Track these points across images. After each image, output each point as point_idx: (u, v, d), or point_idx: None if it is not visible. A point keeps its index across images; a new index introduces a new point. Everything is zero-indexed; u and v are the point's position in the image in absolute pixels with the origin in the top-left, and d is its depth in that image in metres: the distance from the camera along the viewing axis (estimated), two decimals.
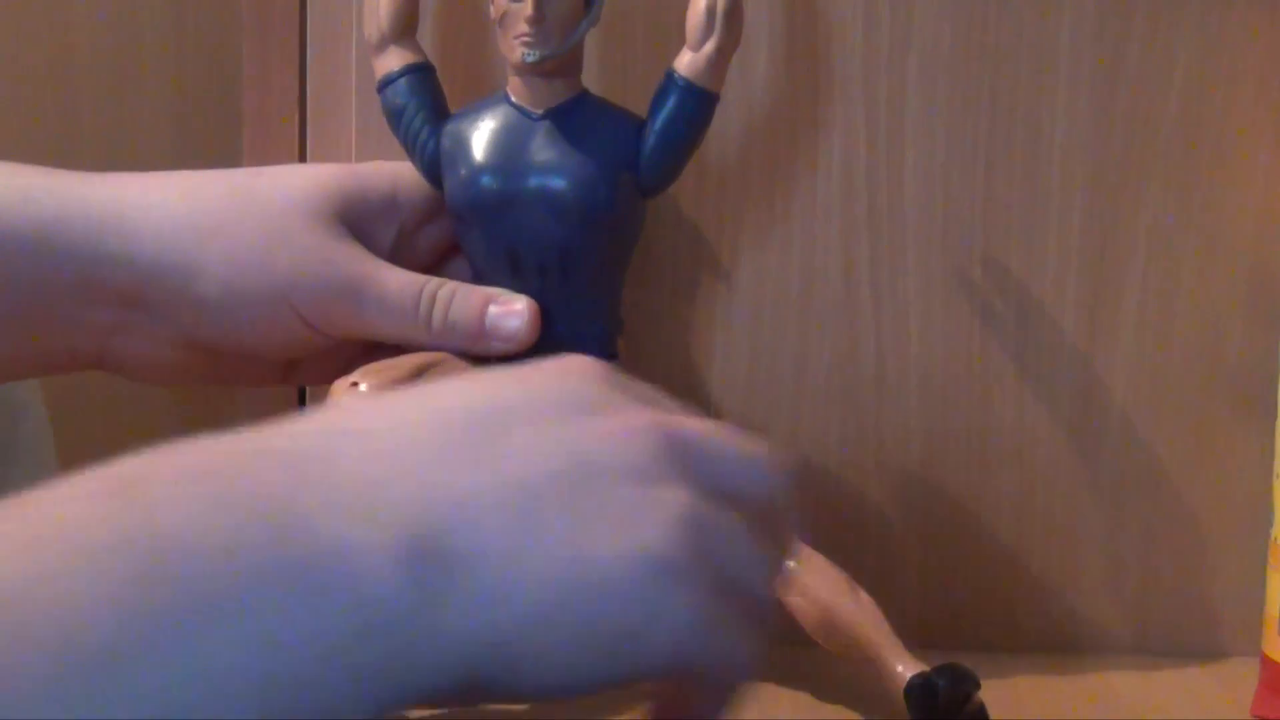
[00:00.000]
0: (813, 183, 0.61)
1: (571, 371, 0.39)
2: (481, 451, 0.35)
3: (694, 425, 0.38)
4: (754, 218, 0.61)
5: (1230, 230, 0.61)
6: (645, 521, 0.35)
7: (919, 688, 0.50)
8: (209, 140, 0.76)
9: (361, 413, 0.37)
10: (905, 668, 0.51)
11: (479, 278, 0.56)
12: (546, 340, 0.55)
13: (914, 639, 0.62)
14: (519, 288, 0.55)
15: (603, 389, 0.38)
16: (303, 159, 0.63)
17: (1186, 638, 0.62)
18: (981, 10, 0.60)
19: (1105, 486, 0.62)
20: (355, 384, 0.51)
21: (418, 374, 0.53)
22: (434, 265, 0.59)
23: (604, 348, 0.57)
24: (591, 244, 0.55)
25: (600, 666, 0.35)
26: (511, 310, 0.55)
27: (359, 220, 0.56)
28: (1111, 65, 0.61)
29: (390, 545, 0.32)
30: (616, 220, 0.56)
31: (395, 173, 0.58)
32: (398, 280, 0.54)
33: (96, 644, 0.28)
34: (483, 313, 0.54)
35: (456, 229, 0.57)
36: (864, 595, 0.53)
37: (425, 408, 0.37)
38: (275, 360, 0.57)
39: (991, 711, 0.56)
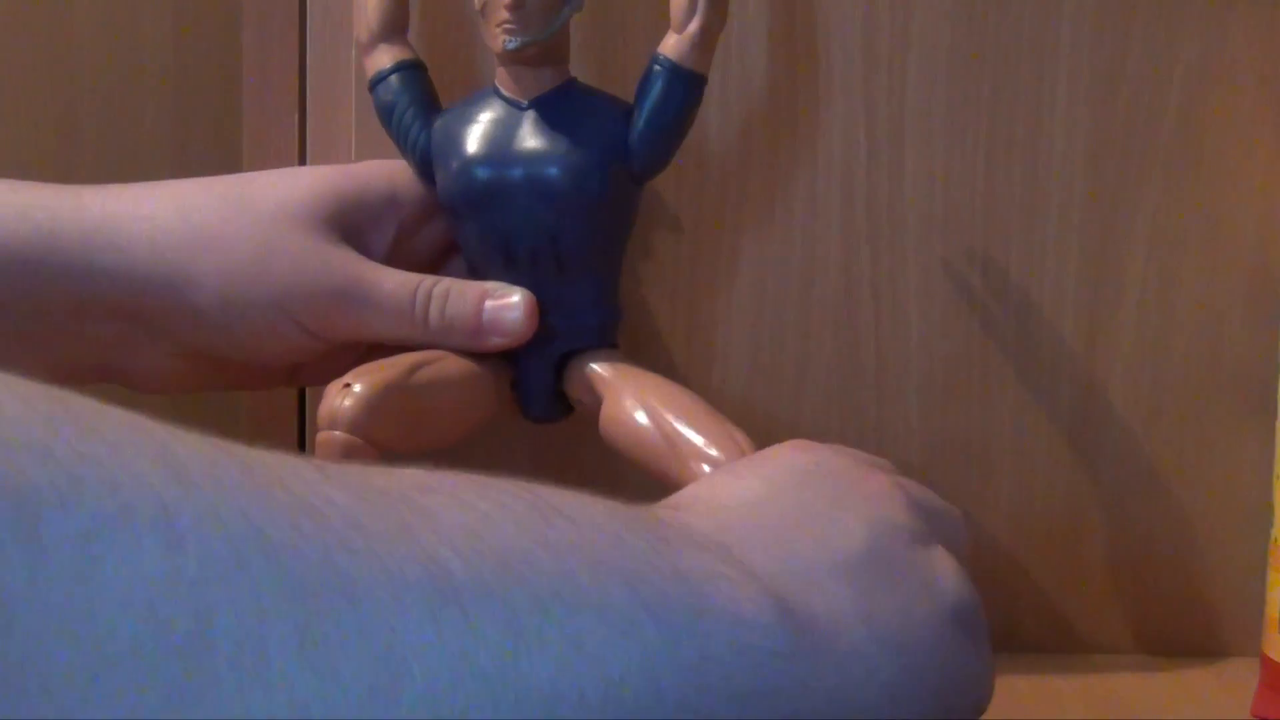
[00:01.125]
0: (813, 183, 0.61)
1: (814, 448, 0.42)
2: (801, 531, 0.37)
3: (911, 486, 0.42)
4: (754, 217, 0.61)
5: (1230, 230, 0.61)
6: (939, 580, 0.38)
7: None
8: (209, 140, 0.76)
9: (674, 502, 0.38)
10: None
11: (473, 271, 0.56)
12: (543, 332, 0.55)
13: None
14: (513, 279, 0.55)
15: (844, 458, 0.42)
16: (303, 159, 0.63)
17: (1186, 638, 0.62)
18: (981, 10, 0.60)
19: (1105, 487, 0.62)
20: (348, 385, 0.50)
21: (412, 372, 0.52)
22: (435, 264, 0.58)
23: (603, 337, 0.57)
24: (584, 232, 0.55)
25: (935, 704, 0.37)
26: (508, 304, 0.54)
27: (355, 222, 0.55)
28: (1111, 65, 0.61)
29: (762, 595, 0.33)
30: (607, 207, 0.55)
31: (393, 171, 0.57)
32: (392, 281, 0.54)
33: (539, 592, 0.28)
34: (479, 308, 0.54)
35: (450, 223, 0.57)
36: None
37: (723, 501, 0.38)
38: (278, 366, 0.57)
39: (992, 711, 0.56)
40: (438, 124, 0.56)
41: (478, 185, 0.55)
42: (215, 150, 0.76)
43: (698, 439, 0.51)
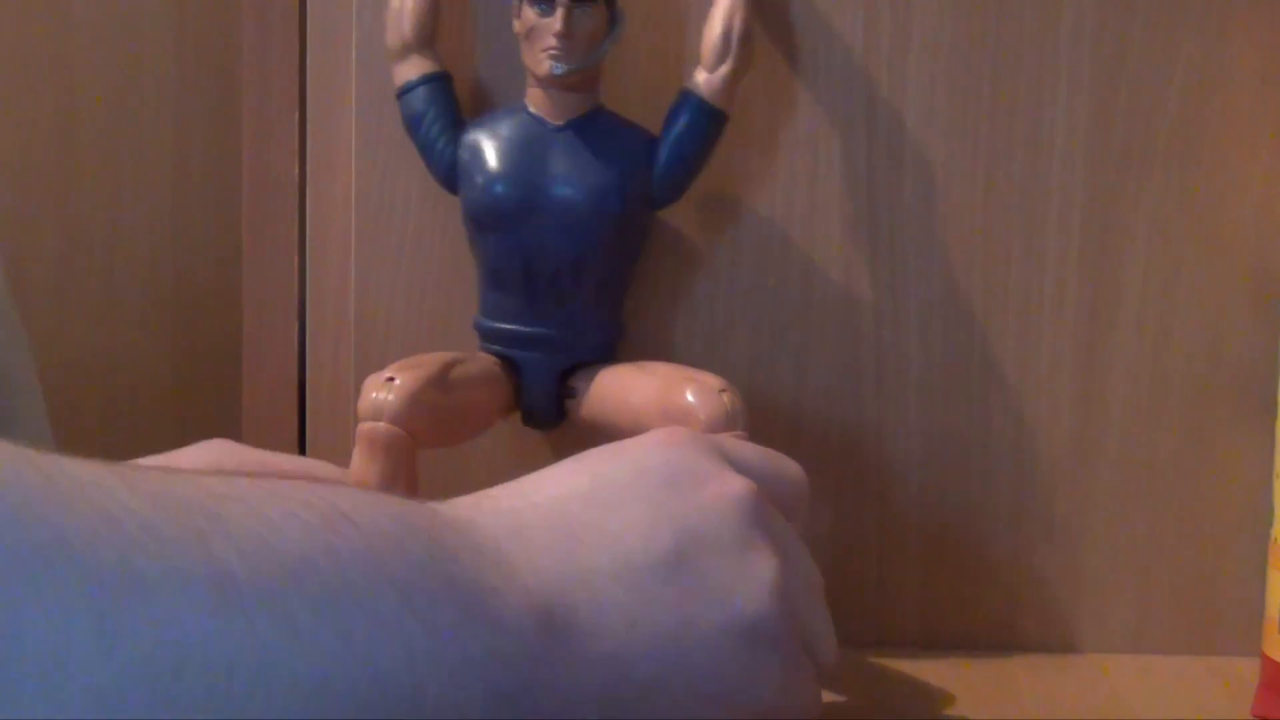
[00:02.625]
0: (812, 182, 0.61)
1: (672, 443, 0.43)
2: (599, 532, 0.39)
3: (761, 496, 0.42)
4: (754, 217, 0.61)
5: (1230, 230, 0.61)
6: (742, 592, 0.40)
7: None
8: (209, 140, 0.76)
9: (486, 495, 0.40)
10: None
11: (491, 283, 0.57)
12: (552, 347, 0.57)
13: (914, 639, 0.63)
14: (530, 294, 0.56)
15: (701, 458, 0.42)
16: (303, 159, 0.63)
17: (1186, 638, 0.62)
18: (981, 10, 0.60)
19: (1105, 487, 0.62)
20: (390, 378, 0.51)
21: (447, 369, 0.53)
22: None
23: (606, 353, 0.58)
24: (602, 253, 0.57)
25: (716, 713, 0.39)
26: None
27: None
28: (1111, 65, 0.61)
29: (524, 604, 0.35)
30: (626, 229, 0.57)
31: (310, 472, 0.54)
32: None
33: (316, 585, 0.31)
34: None
35: (470, 236, 0.58)
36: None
37: (545, 494, 0.40)
38: None
39: (992, 711, 0.56)
40: (465, 138, 0.57)
41: (505, 201, 0.56)
42: (215, 150, 0.76)
43: (689, 398, 0.52)
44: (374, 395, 0.51)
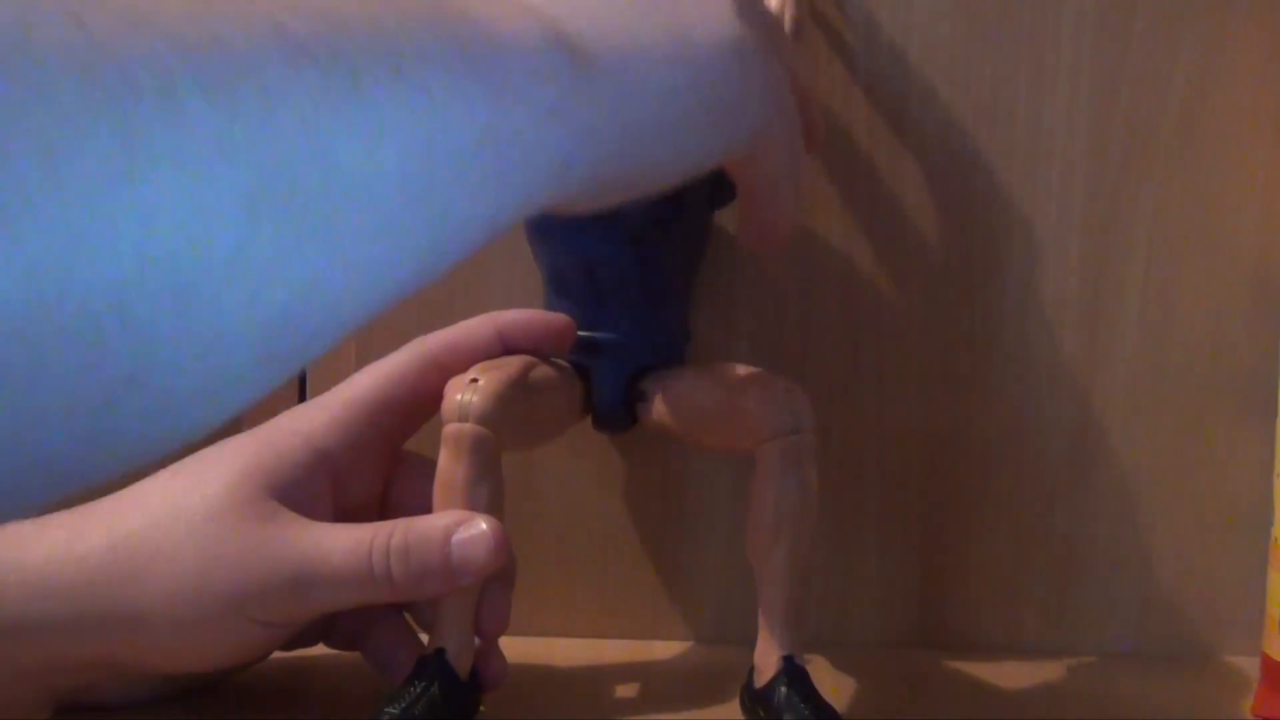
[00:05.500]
0: (813, 183, 0.61)
1: None
2: None
3: None
4: None
5: (1231, 230, 0.61)
6: (720, 16, 0.43)
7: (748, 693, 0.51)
8: None
9: None
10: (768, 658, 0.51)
11: (555, 293, 0.57)
12: (619, 353, 0.57)
13: (914, 639, 0.63)
14: (597, 298, 0.56)
15: None
16: None
17: (1186, 638, 0.62)
18: (981, 10, 0.60)
19: (1105, 486, 0.62)
20: (474, 380, 0.51)
21: (527, 371, 0.53)
22: (383, 499, 0.55)
23: (675, 356, 0.58)
24: (665, 256, 0.57)
25: (711, 137, 0.43)
26: (474, 538, 0.48)
27: (288, 487, 0.50)
28: (1112, 65, 0.61)
29: (537, 27, 0.37)
30: (690, 231, 0.58)
31: (311, 428, 0.53)
32: (341, 549, 0.48)
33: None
34: (446, 550, 0.48)
35: (532, 245, 0.58)
36: (791, 543, 0.51)
37: None
38: (249, 660, 0.54)
39: (992, 711, 0.56)
40: None
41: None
42: None
43: (754, 399, 0.52)
44: (458, 397, 0.50)
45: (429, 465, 0.51)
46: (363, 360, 0.56)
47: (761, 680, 0.50)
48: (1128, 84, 0.61)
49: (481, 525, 0.48)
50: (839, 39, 0.61)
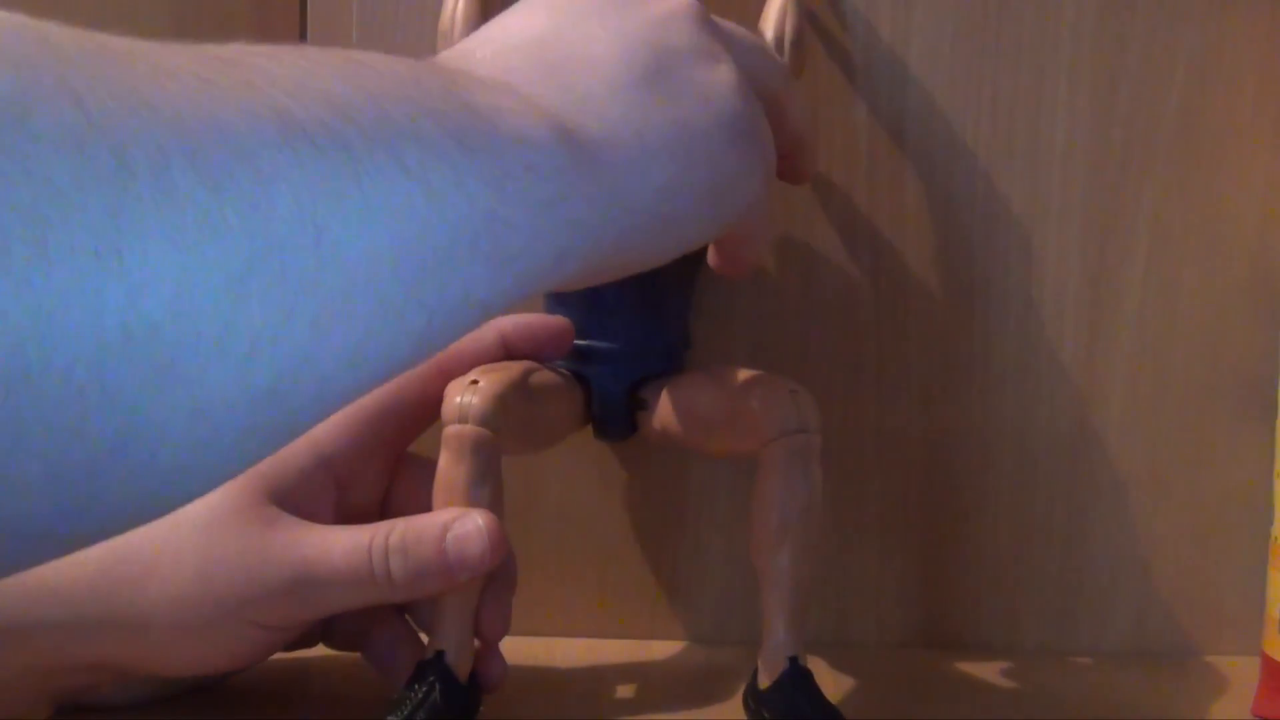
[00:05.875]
0: (813, 182, 0.61)
1: None
2: (581, 61, 0.41)
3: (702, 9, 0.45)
4: None
5: (1231, 230, 0.61)
6: (716, 95, 0.43)
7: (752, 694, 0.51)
8: None
9: (461, 51, 0.42)
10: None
11: (555, 302, 0.57)
12: (619, 361, 0.57)
13: (914, 639, 0.63)
14: (597, 307, 0.56)
15: None
16: None
17: (1186, 638, 0.62)
18: (981, 10, 0.60)
19: (1105, 486, 0.62)
20: (475, 381, 0.51)
21: (527, 375, 0.53)
22: (383, 503, 0.55)
23: (675, 363, 0.58)
24: (665, 264, 0.56)
25: (707, 221, 0.44)
26: (468, 534, 0.48)
27: (292, 492, 0.51)
28: (1111, 65, 0.60)
29: (541, 122, 0.37)
30: None
31: (312, 438, 0.52)
32: (341, 549, 0.49)
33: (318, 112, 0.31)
34: (441, 547, 0.48)
35: None
36: (798, 544, 0.51)
37: (514, 38, 0.42)
38: (251, 663, 0.53)
39: (992, 712, 0.56)
40: None
41: None
42: None
43: (758, 400, 0.52)
44: (458, 399, 0.50)
45: (431, 468, 0.51)
46: None
47: (766, 682, 0.49)
48: (1128, 84, 0.61)
49: (477, 520, 0.48)
50: (837, 42, 0.61)
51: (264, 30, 0.63)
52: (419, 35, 0.59)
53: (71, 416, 0.25)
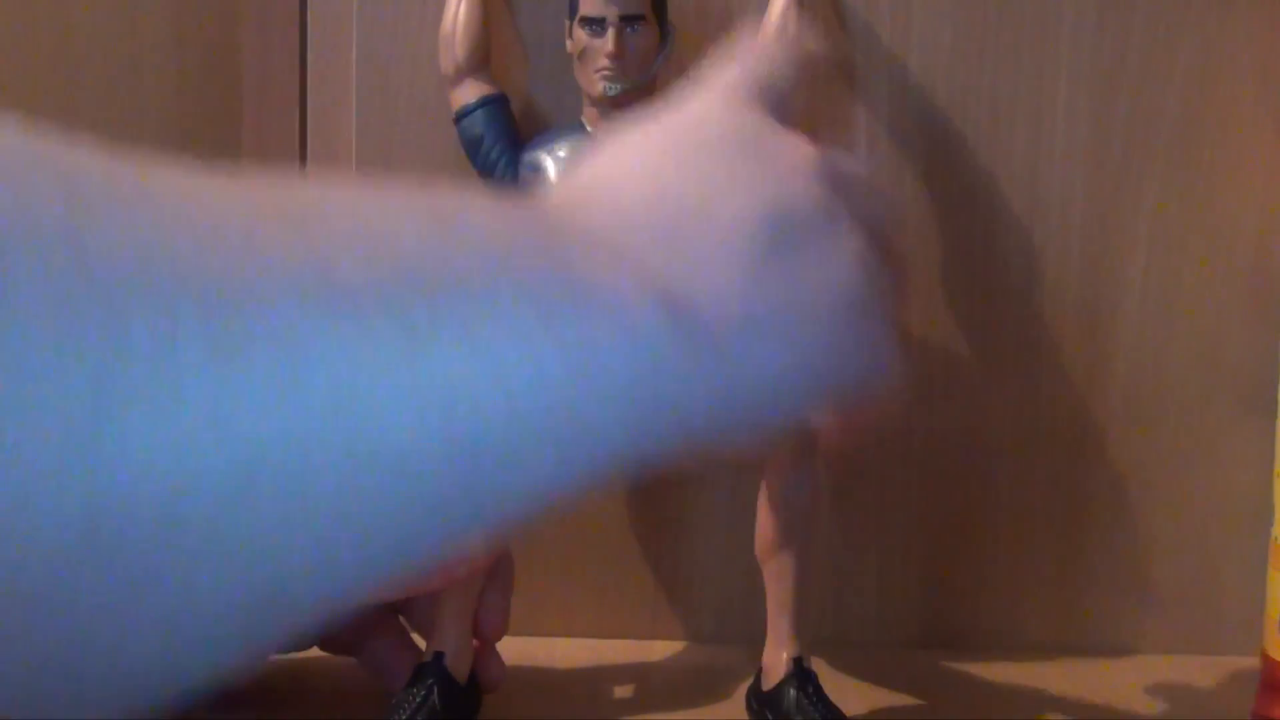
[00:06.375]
0: None
1: (726, 104, 0.41)
2: (699, 218, 0.37)
3: (840, 156, 0.41)
4: None
5: (1230, 230, 0.61)
6: (838, 263, 0.39)
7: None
8: (209, 140, 0.76)
9: (573, 194, 0.38)
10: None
11: None
12: None
13: (914, 639, 0.63)
14: None
15: (758, 123, 0.40)
16: (303, 159, 0.63)
17: (1186, 638, 0.62)
18: (981, 10, 0.60)
19: (1105, 486, 0.62)
20: None
21: None
22: None
23: None
24: None
25: (819, 398, 0.40)
26: None
27: None
28: (1111, 65, 0.61)
29: (645, 290, 0.33)
30: None
31: None
32: None
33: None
34: None
35: None
36: (803, 545, 0.51)
37: (634, 186, 0.37)
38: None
39: (992, 712, 0.56)
40: (525, 158, 0.58)
41: None
42: (215, 150, 0.75)
43: None
44: None
45: None
46: None
47: (770, 682, 0.50)
48: (1128, 84, 0.61)
49: None
50: (836, 42, 0.61)
51: (264, 30, 0.63)
52: (419, 36, 0.59)
53: (14, 624, 0.23)
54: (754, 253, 0.37)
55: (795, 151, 0.40)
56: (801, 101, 0.44)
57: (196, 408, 0.24)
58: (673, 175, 0.38)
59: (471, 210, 0.32)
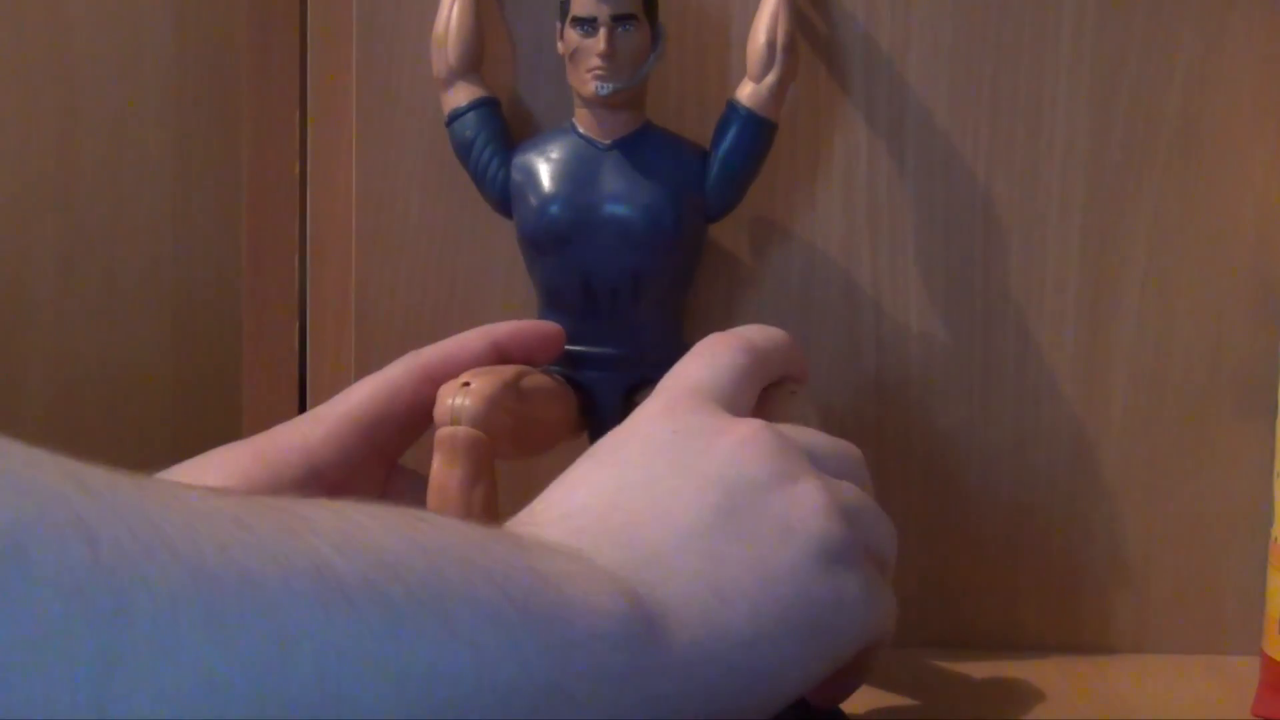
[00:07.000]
0: (813, 182, 0.61)
1: (672, 411, 0.43)
2: (649, 514, 0.38)
3: (787, 429, 0.43)
4: (754, 217, 0.61)
5: (1231, 230, 0.61)
6: (801, 519, 0.39)
7: None
8: (209, 140, 0.76)
9: (531, 515, 0.40)
10: None
11: (550, 307, 0.58)
12: (615, 366, 0.57)
13: (914, 639, 0.63)
14: (591, 312, 0.57)
15: (703, 414, 0.43)
16: (303, 159, 0.63)
17: (1186, 638, 0.62)
18: (981, 9, 0.60)
19: (1105, 486, 0.62)
20: (466, 383, 0.51)
21: (520, 377, 0.53)
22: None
23: (670, 368, 0.58)
24: (661, 268, 0.57)
25: (813, 657, 0.39)
26: None
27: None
28: (1111, 65, 0.61)
29: (610, 589, 0.35)
30: (683, 244, 0.58)
31: (306, 440, 0.53)
32: None
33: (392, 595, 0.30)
34: None
35: (526, 258, 0.58)
36: None
37: (582, 498, 0.40)
38: None
39: (992, 711, 0.56)
40: (516, 161, 0.58)
41: (562, 222, 0.57)
42: (215, 150, 0.76)
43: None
44: (450, 401, 0.50)
45: (422, 483, 0.51)
46: (362, 374, 0.56)
47: None
48: (1128, 84, 0.61)
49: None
50: (834, 45, 0.61)
51: (264, 30, 0.63)
52: (419, 37, 0.59)
53: None
54: (702, 528, 0.38)
55: (735, 429, 0.41)
56: (753, 389, 0.46)
57: (192, 689, 0.26)
58: (618, 481, 0.40)
59: (445, 522, 0.35)
